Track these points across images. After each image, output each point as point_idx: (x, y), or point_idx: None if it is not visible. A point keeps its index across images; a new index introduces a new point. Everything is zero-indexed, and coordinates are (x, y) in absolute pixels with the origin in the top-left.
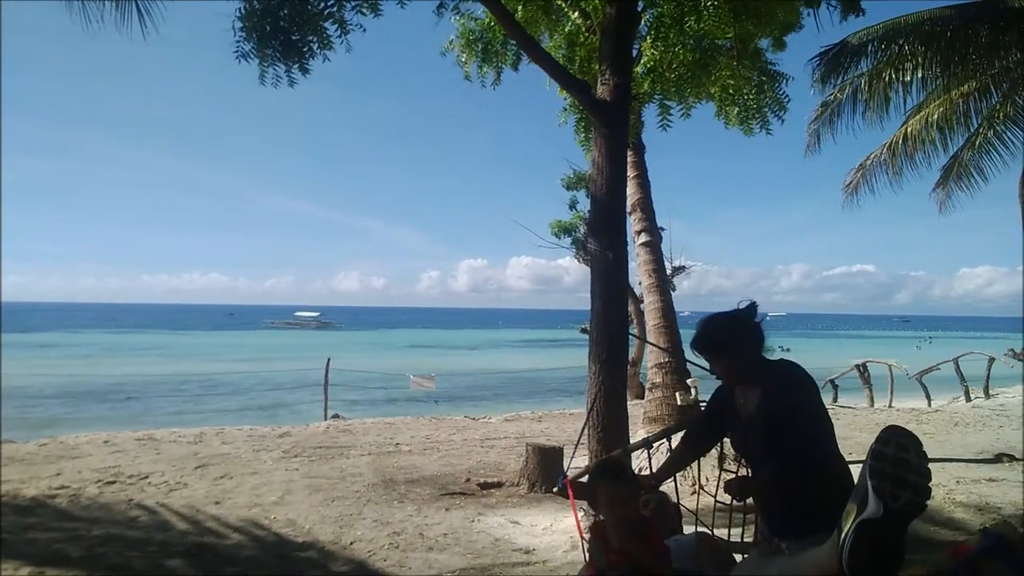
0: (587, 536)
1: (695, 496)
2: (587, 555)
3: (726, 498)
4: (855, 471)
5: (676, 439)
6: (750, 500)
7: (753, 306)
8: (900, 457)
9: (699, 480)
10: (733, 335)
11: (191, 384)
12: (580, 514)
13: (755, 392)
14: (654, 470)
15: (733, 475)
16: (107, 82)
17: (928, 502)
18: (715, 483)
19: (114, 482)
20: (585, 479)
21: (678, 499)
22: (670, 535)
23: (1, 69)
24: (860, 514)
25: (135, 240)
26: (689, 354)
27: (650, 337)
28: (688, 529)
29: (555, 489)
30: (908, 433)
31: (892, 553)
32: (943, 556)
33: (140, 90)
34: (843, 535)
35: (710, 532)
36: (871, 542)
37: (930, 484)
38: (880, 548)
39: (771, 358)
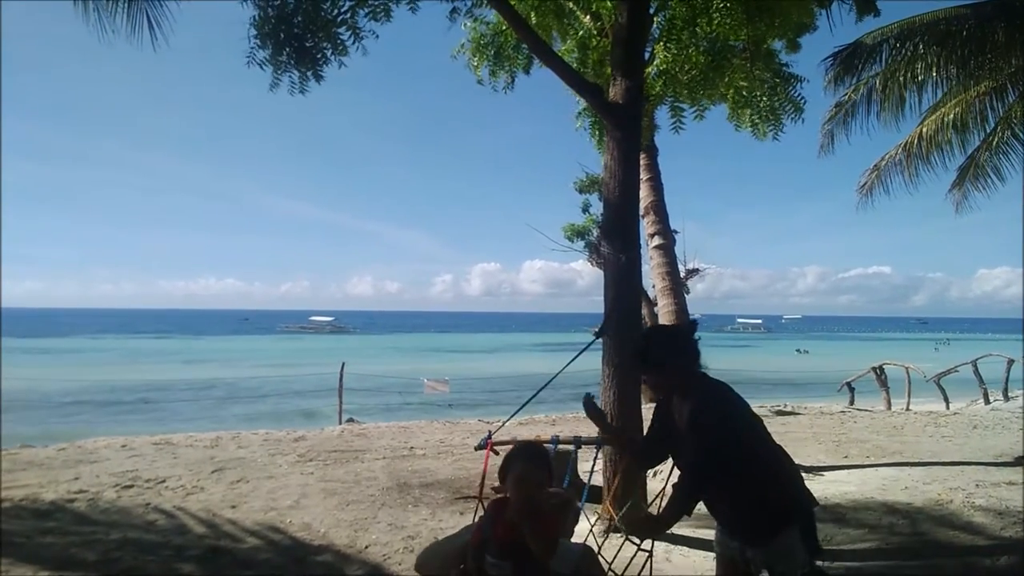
0: (484, 503)
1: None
2: (477, 519)
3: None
4: (870, 477)
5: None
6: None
7: (693, 323)
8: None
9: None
10: (670, 348)
11: (207, 389)
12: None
13: (686, 407)
14: (596, 480)
15: (642, 512)
16: (122, 87)
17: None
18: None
19: (131, 486)
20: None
21: (613, 502)
22: (560, 535)
23: (1, 71)
24: None
25: (151, 245)
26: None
27: None
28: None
29: (475, 446)
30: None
31: None
32: None
33: (154, 95)
34: None
35: (596, 552)
36: None
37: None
38: None
39: (704, 375)
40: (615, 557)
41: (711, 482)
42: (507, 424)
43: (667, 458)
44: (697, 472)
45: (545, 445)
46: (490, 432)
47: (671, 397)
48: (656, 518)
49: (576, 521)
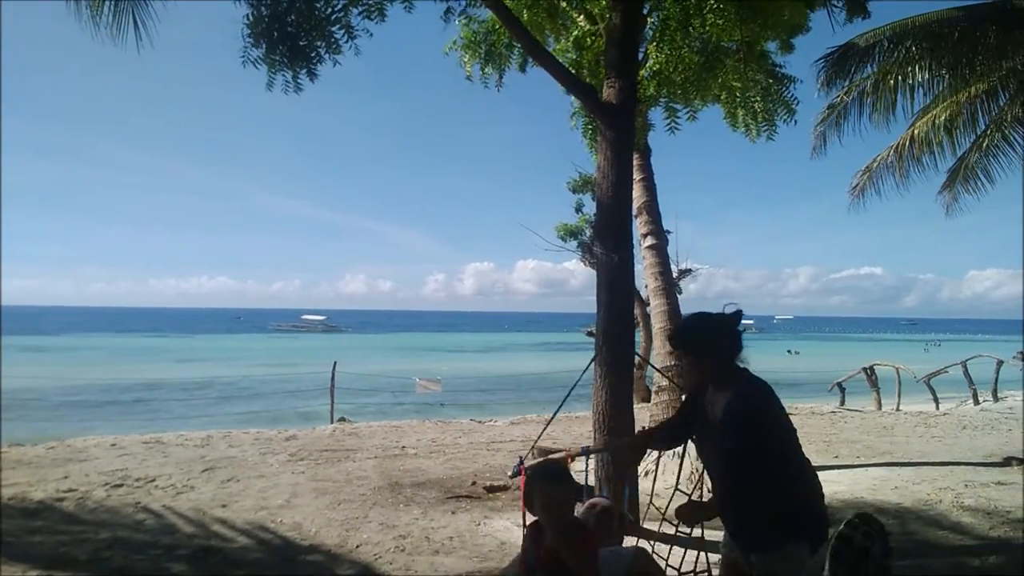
0: (524, 531)
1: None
2: (521, 548)
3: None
4: (860, 477)
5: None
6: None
7: (738, 313)
8: (863, 548)
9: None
10: (710, 336)
11: (198, 388)
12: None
13: (722, 399)
14: (589, 479)
15: (687, 498)
16: (116, 85)
17: None
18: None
19: (121, 485)
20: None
21: (650, 501)
22: (610, 543)
23: (1, 70)
24: None
25: (143, 244)
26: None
27: (656, 340)
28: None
29: (509, 474)
30: (877, 524)
31: None
32: None
33: (148, 93)
34: None
35: (650, 551)
36: None
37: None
38: None
39: (746, 369)
40: (669, 553)
41: (744, 480)
42: (497, 422)
43: (679, 445)
44: (744, 469)
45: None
46: (521, 458)
47: (705, 389)
48: (703, 504)
49: (623, 525)
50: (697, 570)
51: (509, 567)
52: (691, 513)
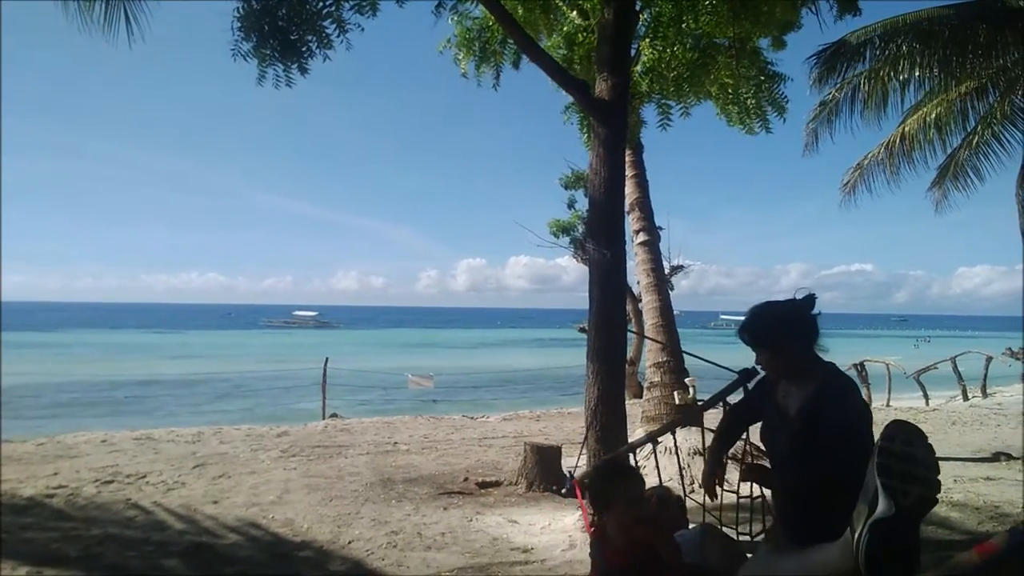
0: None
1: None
2: (590, 560)
3: (739, 487)
4: None
5: (683, 433)
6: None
7: (811, 298)
8: (907, 452)
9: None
10: (784, 328)
11: (189, 384)
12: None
13: (800, 392)
14: (656, 468)
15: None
16: (105, 81)
17: (939, 496)
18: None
19: (112, 481)
20: (592, 479)
21: (684, 493)
22: (674, 529)
23: (1, 69)
24: (872, 514)
25: (133, 239)
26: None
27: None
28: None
29: (563, 491)
30: (913, 427)
31: (908, 551)
32: (967, 556)
33: (138, 89)
34: (856, 536)
35: (716, 524)
36: (885, 541)
37: (939, 477)
38: (895, 546)
39: (830, 362)
40: (737, 523)
41: (818, 478)
42: (490, 418)
43: (738, 439)
44: (823, 466)
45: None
46: (571, 472)
47: (779, 381)
48: (764, 467)
49: (684, 509)
50: (767, 527)
51: None
52: (757, 473)
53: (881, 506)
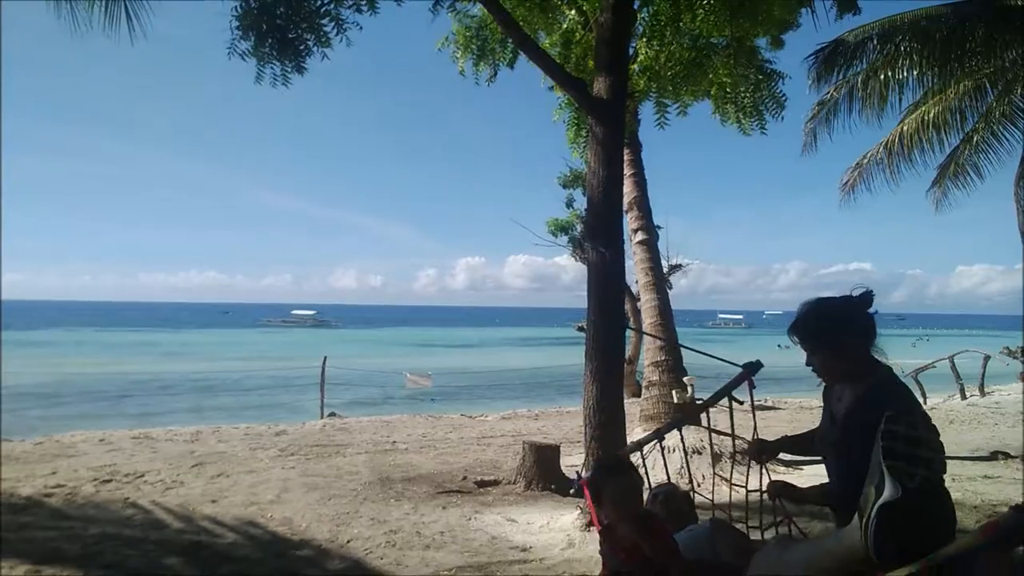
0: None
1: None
2: (600, 557)
3: (748, 482)
4: None
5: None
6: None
7: (868, 295)
8: (911, 435)
9: (692, 478)
10: (837, 326)
11: (186, 382)
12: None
13: (851, 396)
14: (664, 466)
15: (778, 479)
16: (103, 80)
17: (944, 476)
18: (735, 477)
19: (110, 480)
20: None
21: (692, 487)
22: (683, 525)
23: (1, 68)
24: (879, 497)
25: (131, 238)
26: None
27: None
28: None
29: (571, 491)
30: (918, 409)
31: (917, 533)
32: (972, 536)
33: (136, 88)
34: (865, 519)
35: (726, 518)
36: (894, 524)
37: (943, 458)
38: (904, 529)
39: (886, 365)
40: (747, 516)
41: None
42: (488, 417)
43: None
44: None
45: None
46: (578, 473)
47: (833, 383)
48: (798, 490)
49: (692, 504)
50: (777, 520)
51: None
52: (784, 491)
53: (888, 490)
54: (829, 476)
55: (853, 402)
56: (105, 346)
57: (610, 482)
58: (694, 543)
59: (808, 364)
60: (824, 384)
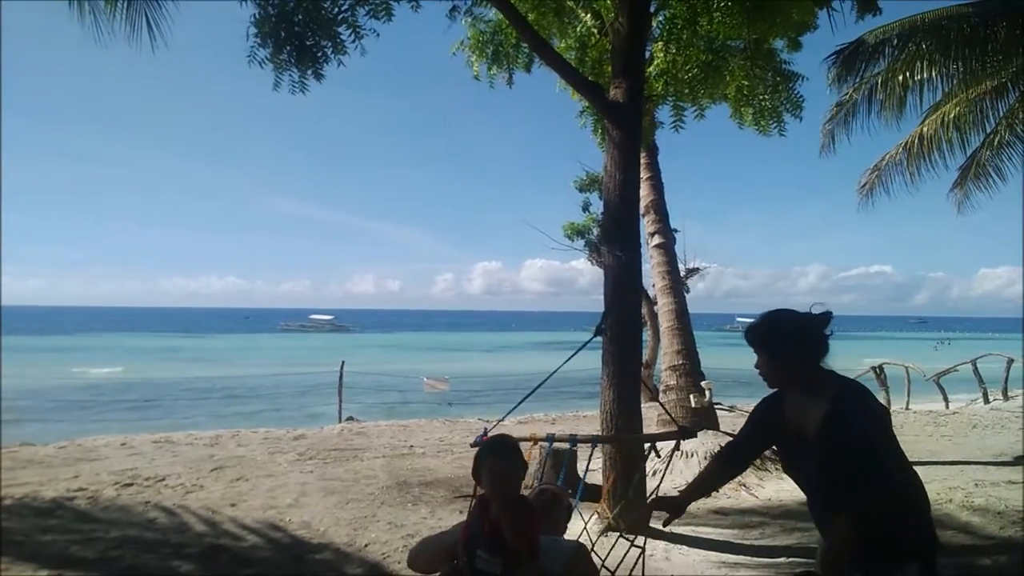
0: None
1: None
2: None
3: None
4: None
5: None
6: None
7: (827, 315)
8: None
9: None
10: (787, 337)
11: (207, 387)
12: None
13: (815, 410)
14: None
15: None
16: (124, 86)
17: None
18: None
19: (131, 484)
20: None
21: (609, 500)
22: (553, 532)
23: (1, 70)
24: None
25: (152, 244)
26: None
27: (664, 339)
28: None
29: (471, 443)
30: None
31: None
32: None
33: (155, 94)
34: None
35: (590, 549)
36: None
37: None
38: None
39: (835, 372)
40: (608, 554)
41: (891, 499)
42: (505, 420)
43: (752, 462)
44: (881, 491)
45: (540, 443)
46: (486, 429)
47: (783, 393)
48: (679, 500)
49: (569, 518)
50: (633, 573)
51: (450, 530)
52: (669, 506)
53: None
54: (807, 495)
55: (820, 419)
56: (126, 351)
57: (490, 460)
58: (553, 551)
59: (756, 366)
60: (765, 400)
